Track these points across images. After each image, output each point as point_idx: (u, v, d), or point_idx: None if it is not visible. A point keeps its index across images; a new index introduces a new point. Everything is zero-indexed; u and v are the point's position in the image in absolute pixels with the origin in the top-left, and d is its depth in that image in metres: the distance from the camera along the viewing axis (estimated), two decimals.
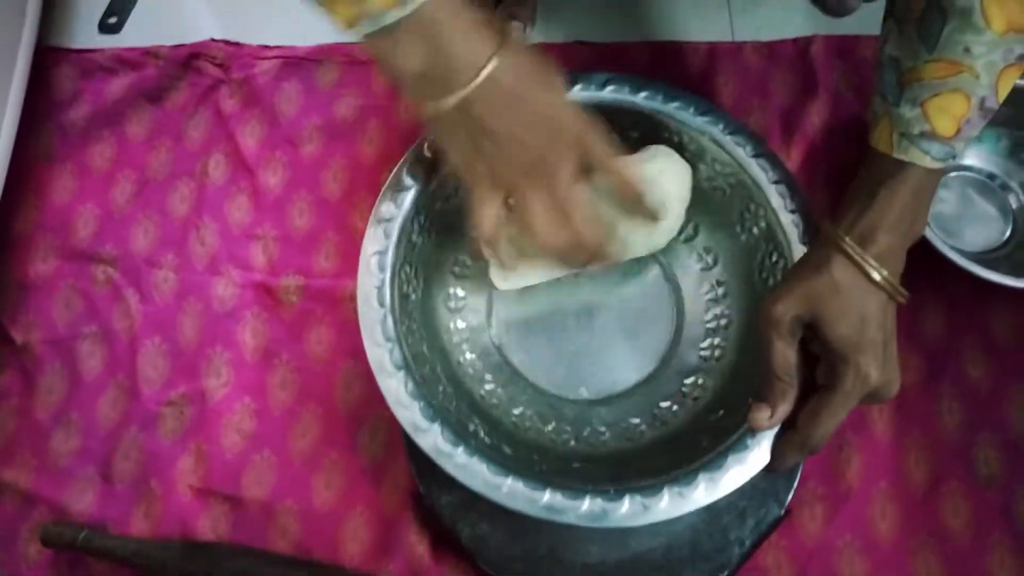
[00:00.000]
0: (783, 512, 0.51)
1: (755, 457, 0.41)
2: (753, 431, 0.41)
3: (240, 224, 0.62)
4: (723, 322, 0.51)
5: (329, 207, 0.63)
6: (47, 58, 0.67)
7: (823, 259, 0.41)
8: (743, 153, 0.48)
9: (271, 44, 0.67)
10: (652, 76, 0.62)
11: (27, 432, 0.57)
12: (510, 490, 0.41)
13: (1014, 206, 0.60)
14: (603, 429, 0.49)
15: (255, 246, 0.62)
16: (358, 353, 0.45)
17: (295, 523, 0.54)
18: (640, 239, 0.50)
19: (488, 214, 0.42)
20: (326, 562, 0.53)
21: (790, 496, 0.52)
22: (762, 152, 0.48)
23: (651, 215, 0.47)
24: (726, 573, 0.50)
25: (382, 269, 0.46)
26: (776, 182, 0.48)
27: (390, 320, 0.45)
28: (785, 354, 0.41)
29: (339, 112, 0.65)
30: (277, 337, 0.59)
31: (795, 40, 0.67)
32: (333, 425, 0.57)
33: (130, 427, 0.57)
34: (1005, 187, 0.61)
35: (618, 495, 0.41)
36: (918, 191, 0.41)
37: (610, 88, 0.50)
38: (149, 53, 0.67)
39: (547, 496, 0.41)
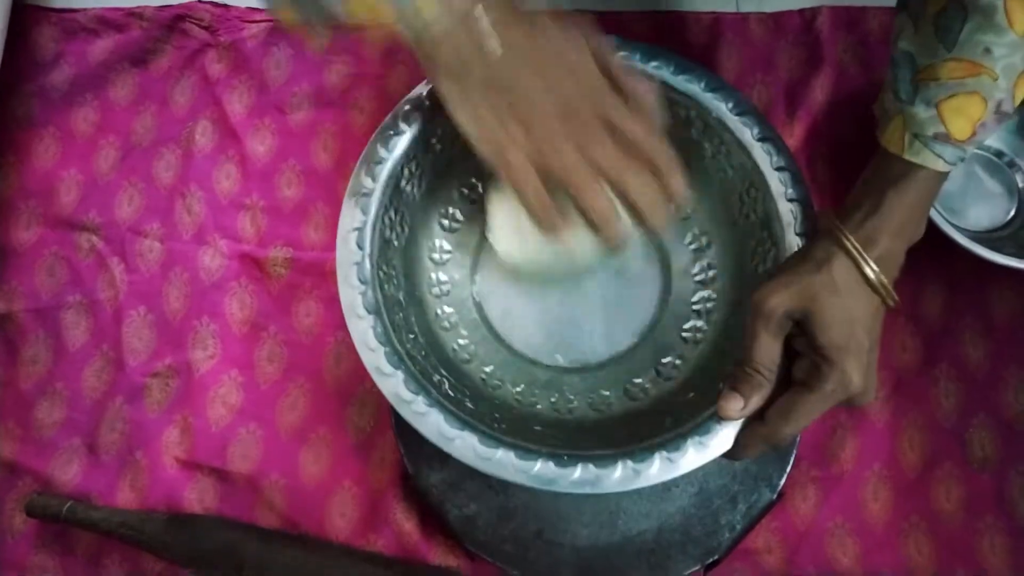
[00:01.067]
0: (775, 497, 0.51)
1: (717, 442, 0.40)
2: (720, 418, 0.41)
3: (227, 193, 0.61)
4: (709, 305, 0.50)
5: (318, 177, 0.61)
6: (27, 18, 0.64)
7: (824, 257, 0.40)
8: (749, 136, 0.47)
9: (259, 7, 0.65)
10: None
11: (11, 402, 0.57)
12: (463, 443, 0.40)
13: (1020, 185, 0.59)
14: (572, 397, 0.48)
15: (243, 216, 0.60)
16: (347, 327, 0.44)
17: (282, 497, 0.54)
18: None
19: (532, 186, 0.39)
20: (313, 536, 0.53)
21: (783, 481, 0.51)
22: (768, 136, 0.47)
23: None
24: (716, 557, 0.50)
25: (365, 211, 0.45)
26: (779, 168, 0.46)
27: (367, 263, 0.44)
28: (770, 348, 0.40)
29: (329, 79, 0.63)
30: (265, 309, 0.58)
31: (801, 11, 0.64)
32: (321, 399, 0.56)
33: (115, 398, 0.56)
34: (1012, 165, 0.59)
35: (571, 461, 0.40)
36: (925, 194, 0.40)
37: (620, 55, 0.48)
38: (133, 14, 0.64)
39: (499, 454, 0.40)
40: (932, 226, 0.53)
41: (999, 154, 0.59)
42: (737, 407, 0.40)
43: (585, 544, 0.50)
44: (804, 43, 0.64)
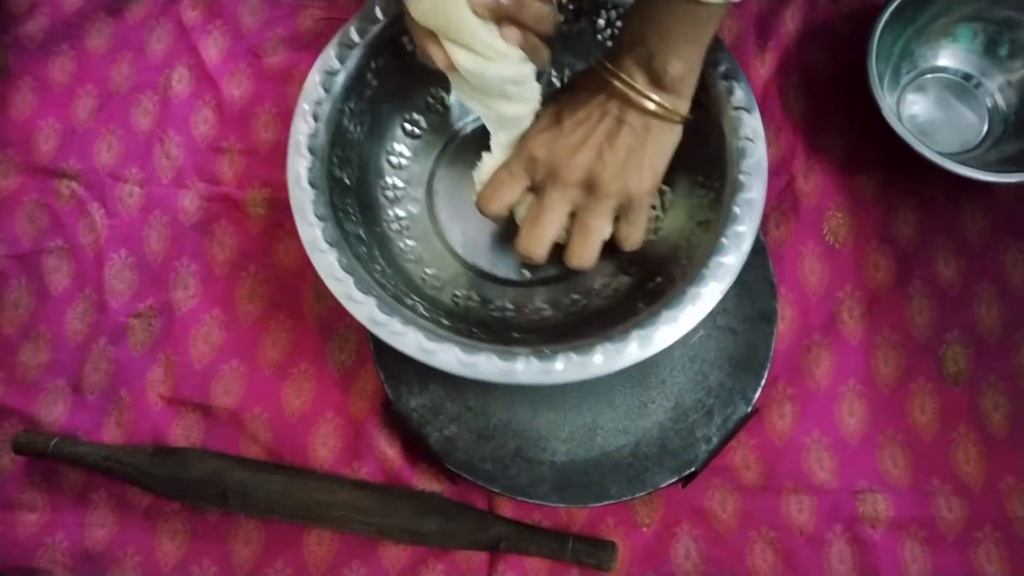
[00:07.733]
0: (750, 410, 0.51)
1: (687, 315, 0.41)
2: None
3: (205, 137, 0.61)
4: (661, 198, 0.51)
5: None
6: None
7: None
8: None
9: None
10: None
11: None
12: (445, 355, 0.41)
13: (989, 105, 0.59)
14: (545, 306, 0.50)
15: (221, 159, 0.61)
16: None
17: (265, 430, 0.54)
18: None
19: None
20: (296, 464, 0.54)
21: (757, 394, 0.52)
22: None
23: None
24: (693, 469, 0.50)
25: (312, 151, 0.45)
26: None
27: (322, 200, 0.45)
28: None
29: (303, 23, 0.63)
30: (245, 249, 0.59)
31: None
32: (302, 336, 0.57)
33: (99, 339, 0.57)
34: (980, 87, 0.60)
35: (553, 354, 0.41)
36: (667, 12, 0.41)
37: None
38: None
39: (482, 359, 0.41)
40: (904, 147, 0.53)
41: (967, 77, 0.60)
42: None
43: (564, 460, 0.51)
44: None
